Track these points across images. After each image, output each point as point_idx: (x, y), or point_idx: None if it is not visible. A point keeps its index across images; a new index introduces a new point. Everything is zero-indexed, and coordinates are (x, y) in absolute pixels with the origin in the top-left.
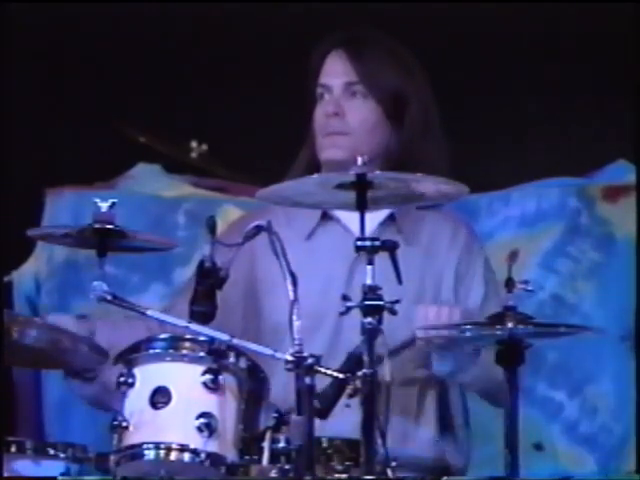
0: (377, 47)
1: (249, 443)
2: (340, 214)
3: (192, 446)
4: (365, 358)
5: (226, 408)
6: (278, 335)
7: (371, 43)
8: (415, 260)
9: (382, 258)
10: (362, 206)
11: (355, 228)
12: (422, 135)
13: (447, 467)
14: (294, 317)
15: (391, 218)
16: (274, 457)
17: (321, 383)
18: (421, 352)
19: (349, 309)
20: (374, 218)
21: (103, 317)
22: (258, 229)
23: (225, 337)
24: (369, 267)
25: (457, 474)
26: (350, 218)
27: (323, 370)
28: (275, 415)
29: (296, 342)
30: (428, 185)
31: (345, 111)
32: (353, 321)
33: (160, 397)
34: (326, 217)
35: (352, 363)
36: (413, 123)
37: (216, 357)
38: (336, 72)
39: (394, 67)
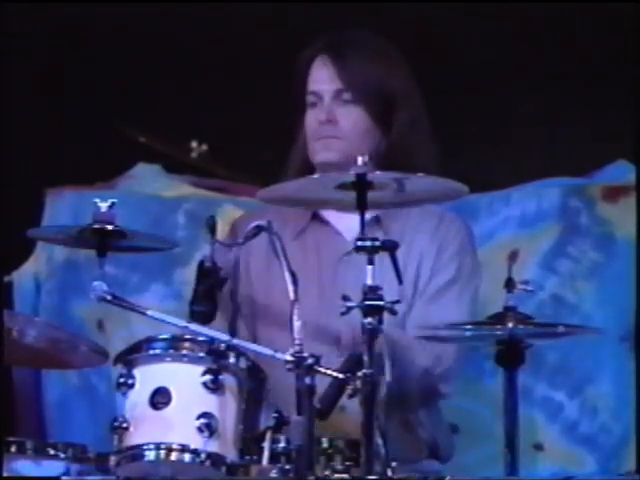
0: (361, 50)
1: (249, 443)
2: (330, 215)
3: (192, 446)
4: (365, 358)
5: (226, 408)
6: (271, 332)
7: (355, 46)
8: (399, 259)
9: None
10: (362, 206)
11: (343, 229)
12: (411, 134)
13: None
14: (294, 317)
15: (376, 220)
16: (274, 457)
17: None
18: None
19: (349, 309)
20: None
21: None
22: (259, 229)
23: (225, 337)
24: (369, 267)
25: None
26: (339, 219)
27: (323, 370)
28: (275, 415)
29: (296, 342)
30: (428, 185)
31: (337, 118)
32: (344, 320)
33: (160, 398)
34: (316, 218)
35: (352, 363)
36: (401, 124)
37: (216, 357)
38: (323, 79)
39: (379, 68)
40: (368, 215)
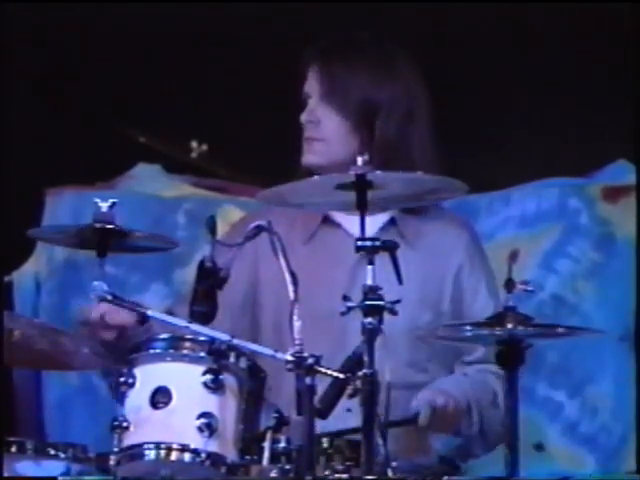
0: (350, 59)
1: (249, 443)
2: (341, 218)
3: (192, 446)
4: (365, 358)
5: (226, 408)
6: (279, 336)
7: (345, 55)
8: (417, 264)
9: (384, 261)
10: (362, 206)
11: (356, 232)
12: (400, 138)
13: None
14: (294, 317)
15: (392, 222)
16: (274, 457)
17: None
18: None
19: (350, 309)
20: (375, 222)
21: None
22: (259, 229)
23: (225, 337)
24: (369, 267)
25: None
26: (351, 222)
27: (323, 370)
28: (275, 415)
29: (296, 342)
30: (427, 183)
31: (320, 119)
32: (358, 324)
33: (160, 397)
34: (327, 221)
35: (352, 363)
36: (384, 131)
37: (216, 357)
38: (312, 83)
39: (364, 78)
40: (383, 217)
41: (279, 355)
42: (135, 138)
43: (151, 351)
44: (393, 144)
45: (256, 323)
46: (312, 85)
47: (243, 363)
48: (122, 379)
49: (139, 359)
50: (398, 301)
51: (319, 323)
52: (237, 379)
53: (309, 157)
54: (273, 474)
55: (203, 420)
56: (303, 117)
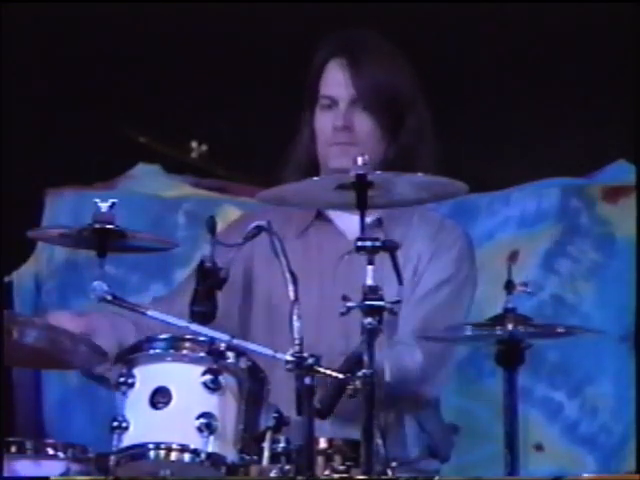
0: (373, 54)
1: (249, 443)
2: (334, 215)
3: (192, 446)
4: (365, 358)
5: (226, 408)
6: (272, 335)
7: (368, 50)
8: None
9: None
10: (362, 206)
11: (346, 229)
12: (417, 140)
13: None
14: (294, 317)
15: (378, 221)
16: (274, 457)
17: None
18: None
19: (349, 309)
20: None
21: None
22: (258, 229)
23: (225, 337)
24: (369, 267)
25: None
26: (342, 219)
27: (323, 370)
28: (275, 415)
29: (296, 342)
30: (427, 184)
31: (354, 124)
32: (346, 319)
33: (160, 397)
34: (320, 217)
35: (352, 363)
36: (408, 131)
37: (216, 357)
38: (339, 84)
39: (390, 74)
40: (370, 217)
41: (279, 355)
42: (135, 138)
43: (151, 351)
44: (416, 140)
45: (249, 322)
46: (338, 87)
47: (243, 363)
48: (122, 379)
49: (139, 359)
50: (398, 301)
51: (307, 317)
52: (237, 379)
53: (345, 161)
54: (273, 474)
55: (203, 420)
56: (335, 122)
